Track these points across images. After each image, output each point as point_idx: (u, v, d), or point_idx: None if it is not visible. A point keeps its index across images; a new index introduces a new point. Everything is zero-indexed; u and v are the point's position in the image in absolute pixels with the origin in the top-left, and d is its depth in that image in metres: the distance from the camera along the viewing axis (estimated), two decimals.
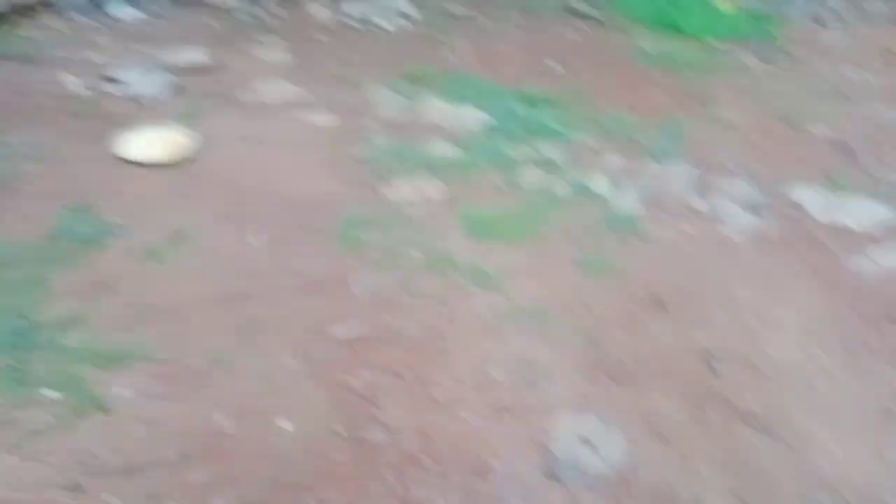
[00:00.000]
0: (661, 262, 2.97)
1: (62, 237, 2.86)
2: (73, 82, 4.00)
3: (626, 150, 3.83)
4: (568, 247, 3.02)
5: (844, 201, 3.36)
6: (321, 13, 5.59)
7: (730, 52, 5.40)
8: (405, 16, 5.68)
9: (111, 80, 4.06)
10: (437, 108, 3.98)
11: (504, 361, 2.47)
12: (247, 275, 2.81)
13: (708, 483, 2.09)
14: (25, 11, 4.69)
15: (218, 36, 4.85)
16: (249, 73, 4.43)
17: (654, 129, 4.10)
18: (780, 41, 5.75)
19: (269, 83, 4.34)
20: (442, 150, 3.63)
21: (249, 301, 2.69)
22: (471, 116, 3.94)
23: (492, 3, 5.70)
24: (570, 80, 4.58)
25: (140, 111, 3.83)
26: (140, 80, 4.07)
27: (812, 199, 3.37)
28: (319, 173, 3.49)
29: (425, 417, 2.28)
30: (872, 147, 4.03)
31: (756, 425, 2.26)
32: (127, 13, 5.00)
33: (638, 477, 2.12)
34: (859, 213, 3.26)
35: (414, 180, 3.43)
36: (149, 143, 3.46)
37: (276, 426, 2.24)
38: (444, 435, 2.23)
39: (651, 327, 2.63)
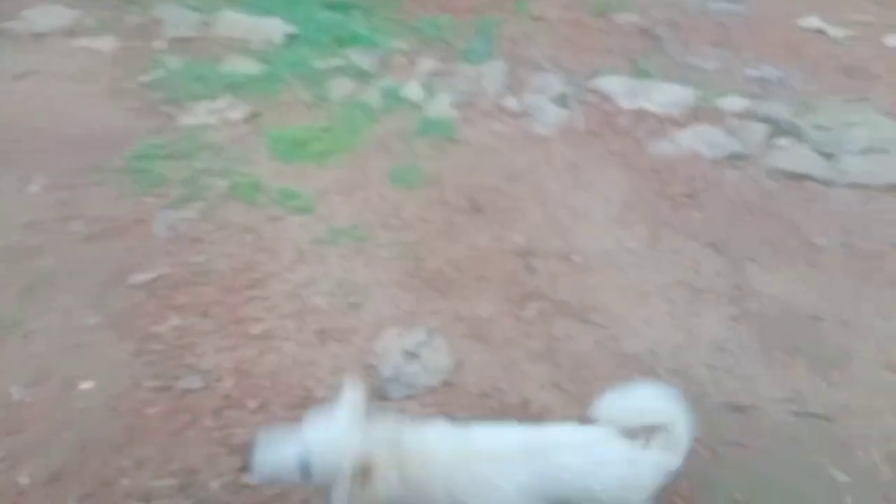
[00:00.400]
0: (476, 165, 2.95)
1: None
2: None
3: (439, 53, 3.73)
4: (382, 159, 2.92)
5: (649, 87, 3.46)
6: None
7: None
8: None
9: None
10: (234, 21, 3.65)
11: (323, 285, 2.37)
12: (31, 226, 2.50)
13: (530, 377, 2.14)
14: None
15: None
16: (14, 0, 3.85)
17: (466, 30, 4.01)
18: None
19: (42, 9, 3.80)
20: (242, 66, 3.35)
21: (36, 255, 2.40)
22: (272, 27, 3.64)
23: None
24: None
25: None
26: None
27: (618, 88, 3.45)
28: (106, 106, 3.13)
29: (242, 354, 2.16)
30: (677, 33, 4.17)
31: (572, 315, 2.33)
32: None
33: (464, 381, 2.13)
34: (662, 97, 3.38)
35: (213, 103, 3.15)
36: None
37: (78, 388, 2.04)
38: (264, 370, 2.12)
39: (469, 232, 2.62)
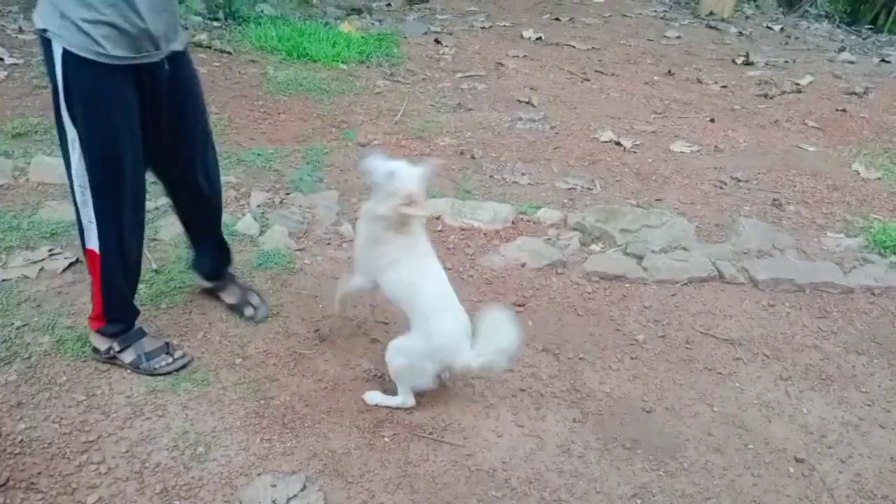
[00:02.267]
0: (317, 293, 2.98)
1: None
2: None
3: (270, 184, 3.80)
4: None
5: (473, 206, 3.72)
6: None
7: (360, 75, 5.69)
8: (0, 62, 4.95)
9: None
10: (50, 166, 3.51)
11: (163, 439, 2.25)
12: None
13: None
14: None
15: None
16: None
17: (295, 159, 4.14)
18: (403, 60, 6.23)
19: None
20: (61, 213, 3.21)
21: None
22: None
23: None
24: None
25: None
26: None
27: (446, 207, 3.68)
28: None
29: None
30: (490, 152, 4.55)
31: (426, 437, 2.37)
32: None
33: None
34: (485, 214, 3.64)
35: (31, 253, 2.98)
36: None
37: None
38: None
39: (316, 363, 2.63)
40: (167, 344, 2.53)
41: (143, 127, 2.23)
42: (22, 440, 2.21)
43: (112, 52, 2.03)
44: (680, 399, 2.63)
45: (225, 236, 2.82)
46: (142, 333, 2.52)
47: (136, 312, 2.54)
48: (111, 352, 2.46)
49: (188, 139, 2.43)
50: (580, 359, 2.78)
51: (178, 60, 2.26)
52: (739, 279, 3.32)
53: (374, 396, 2.46)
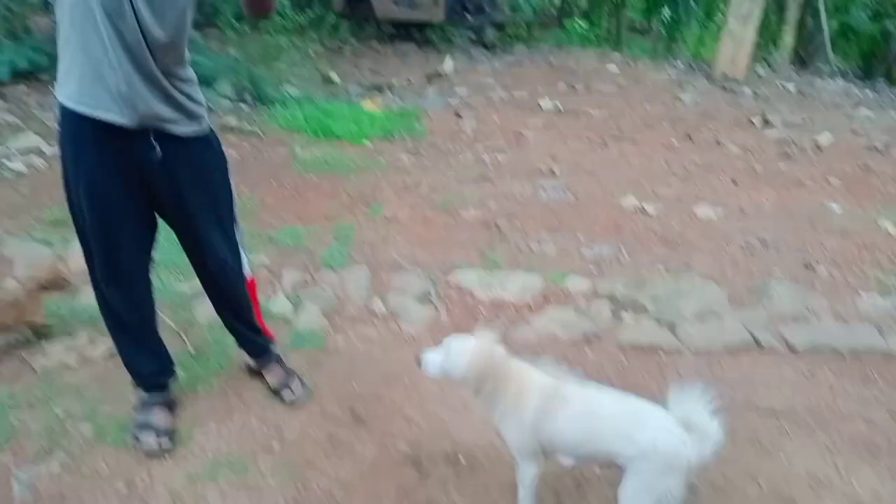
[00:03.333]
0: (351, 373, 2.99)
1: None
2: None
3: (301, 262, 3.87)
4: (258, 379, 2.89)
5: (501, 277, 3.75)
6: None
7: (384, 151, 5.84)
8: (39, 152, 5.16)
9: None
10: None
11: None
12: None
13: None
14: None
15: None
16: None
17: (325, 237, 4.22)
18: (425, 134, 6.39)
19: None
20: None
21: None
22: None
23: None
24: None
25: None
26: None
27: (474, 280, 3.71)
28: None
29: None
30: (515, 223, 4.61)
31: None
32: None
33: None
34: (514, 286, 3.66)
35: (72, 340, 3.04)
36: None
37: None
38: None
39: (354, 445, 2.61)
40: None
41: (137, 195, 2.29)
42: None
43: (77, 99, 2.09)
44: (725, 475, 2.56)
45: (255, 317, 2.82)
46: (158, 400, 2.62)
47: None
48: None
49: (191, 222, 2.42)
50: None
51: (182, 145, 2.26)
52: (776, 346, 3.28)
53: None
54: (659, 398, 2.93)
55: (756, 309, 3.59)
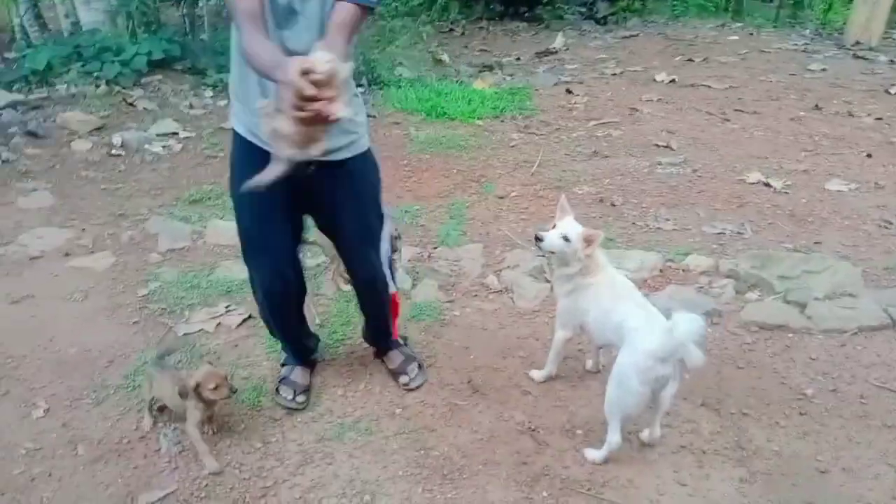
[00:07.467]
0: (468, 345, 3.06)
1: None
2: None
3: (418, 239, 3.97)
4: None
5: (618, 255, 3.68)
6: (82, 146, 5.28)
7: (495, 129, 5.85)
8: (176, 136, 5.53)
9: None
10: (224, 229, 3.85)
11: (332, 487, 2.37)
12: (33, 455, 2.49)
13: None
14: None
15: None
16: (10, 226, 4.05)
17: (440, 214, 4.30)
18: (536, 112, 6.34)
19: (35, 232, 3.99)
20: (235, 272, 3.51)
21: (41, 485, 2.37)
22: None
23: None
24: None
25: None
26: None
27: None
28: (104, 323, 3.23)
29: None
30: (630, 198, 4.51)
31: (584, 493, 2.34)
32: None
33: None
34: (632, 264, 3.58)
35: (210, 309, 3.27)
36: None
37: None
38: None
39: (471, 414, 2.68)
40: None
41: (299, 206, 2.46)
42: (207, 485, 2.39)
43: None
44: (858, 459, 2.45)
45: (390, 324, 2.86)
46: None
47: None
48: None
49: (343, 232, 2.56)
50: (743, 414, 2.66)
51: (339, 167, 2.34)
52: None
53: (591, 453, 2.46)
54: (788, 380, 2.83)
55: (894, 289, 3.37)
